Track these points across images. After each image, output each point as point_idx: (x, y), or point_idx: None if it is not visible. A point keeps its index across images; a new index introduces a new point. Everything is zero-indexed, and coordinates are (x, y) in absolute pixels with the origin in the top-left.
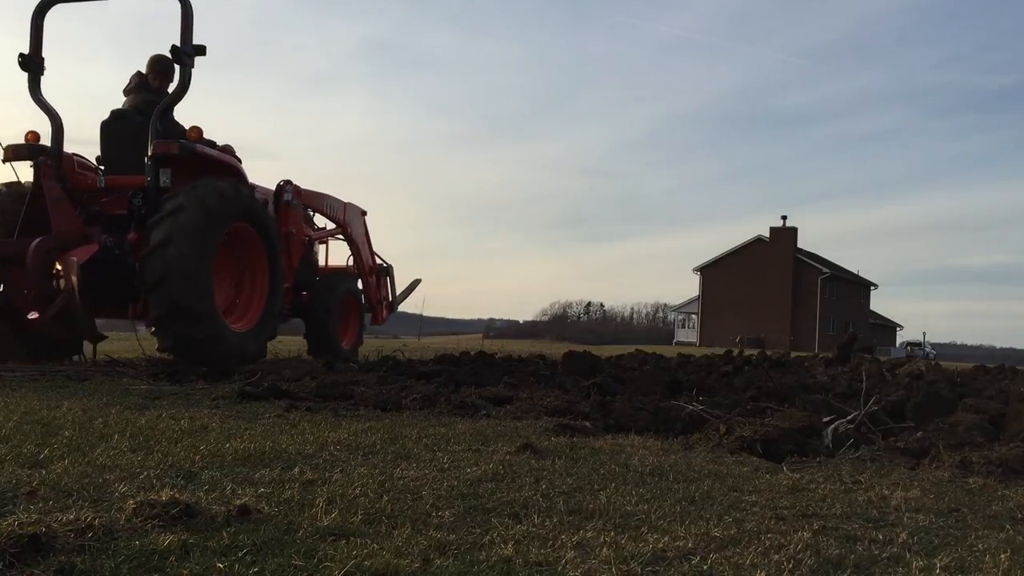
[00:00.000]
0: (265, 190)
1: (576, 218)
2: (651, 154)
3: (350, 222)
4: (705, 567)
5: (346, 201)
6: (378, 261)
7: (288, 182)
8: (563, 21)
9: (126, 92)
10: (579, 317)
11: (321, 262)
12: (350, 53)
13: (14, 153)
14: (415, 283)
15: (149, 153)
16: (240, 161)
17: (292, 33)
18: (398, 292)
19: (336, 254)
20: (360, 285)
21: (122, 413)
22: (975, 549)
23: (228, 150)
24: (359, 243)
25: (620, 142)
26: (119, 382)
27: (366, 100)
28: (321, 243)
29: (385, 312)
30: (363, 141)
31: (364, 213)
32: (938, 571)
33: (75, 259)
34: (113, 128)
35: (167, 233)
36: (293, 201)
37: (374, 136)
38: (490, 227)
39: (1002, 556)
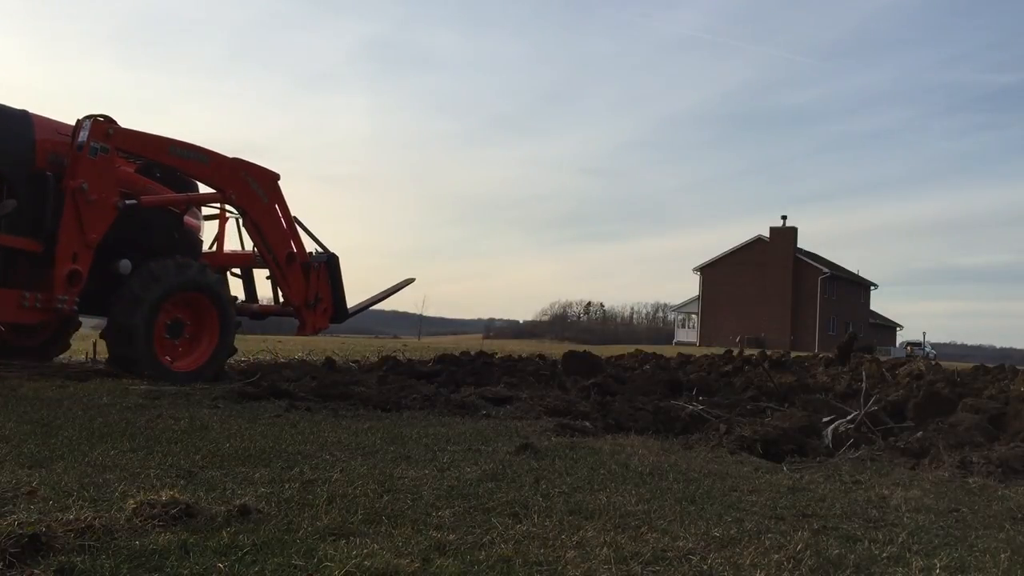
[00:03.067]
0: (57, 125)
1: (576, 218)
2: (651, 154)
3: (237, 186)
4: (705, 567)
5: (231, 157)
6: (312, 249)
7: (100, 119)
8: (564, 20)
9: None
10: (579, 317)
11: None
12: (351, 52)
13: None
14: (406, 282)
15: None
16: None
17: (293, 32)
18: (385, 289)
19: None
20: (274, 279)
21: (122, 413)
22: (975, 549)
23: None
24: (258, 218)
25: (621, 142)
26: (119, 382)
27: (367, 99)
28: (223, 219)
29: (320, 318)
30: (364, 140)
31: (276, 177)
32: (938, 571)
33: None
34: None
35: None
36: (94, 144)
37: (375, 135)
38: (490, 227)
39: (1002, 556)
